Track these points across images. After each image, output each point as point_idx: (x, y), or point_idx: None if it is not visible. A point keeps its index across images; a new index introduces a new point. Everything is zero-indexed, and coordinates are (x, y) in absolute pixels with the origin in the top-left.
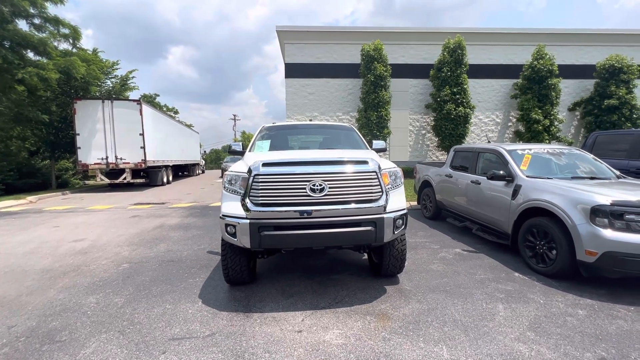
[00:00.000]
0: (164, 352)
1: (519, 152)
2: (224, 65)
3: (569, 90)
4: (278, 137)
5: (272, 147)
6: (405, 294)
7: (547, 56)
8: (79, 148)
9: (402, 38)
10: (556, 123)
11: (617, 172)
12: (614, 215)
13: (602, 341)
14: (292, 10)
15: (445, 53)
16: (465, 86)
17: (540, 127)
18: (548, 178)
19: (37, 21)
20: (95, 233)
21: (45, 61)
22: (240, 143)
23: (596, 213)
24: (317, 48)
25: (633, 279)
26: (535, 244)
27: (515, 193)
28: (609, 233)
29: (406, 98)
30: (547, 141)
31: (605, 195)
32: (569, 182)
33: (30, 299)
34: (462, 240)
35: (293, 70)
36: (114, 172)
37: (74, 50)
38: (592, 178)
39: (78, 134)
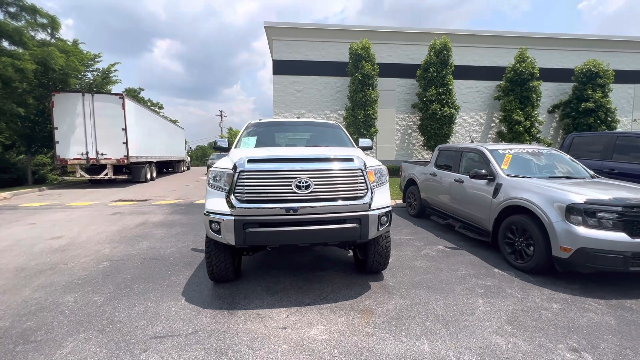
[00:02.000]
0: (145, 350)
1: (500, 152)
2: (211, 61)
3: (549, 93)
4: (264, 133)
5: (259, 144)
6: (389, 290)
7: (529, 59)
8: (57, 142)
9: (389, 38)
10: (536, 124)
11: (592, 172)
12: (588, 213)
13: (574, 333)
14: (281, 6)
15: (431, 54)
16: (450, 87)
17: (521, 128)
18: (527, 177)
19: (12, 9)
20: (74, 230)
21: (21, 51)
22: (226, 139)
23: (571, 211)
24: (306, 45)
25: (603, 273)
26: (514, 240)
27: (496, 191)
28: (582, 230)
29: (393, 97)
30: (527, 142)
31: (580, 194)
32: (547, 181)
33: (3, 298)
34: (445, 238)
35: (281, 67)
36: (94, 167)
37: (52, 40)
38: (568, 177)
39: (56, 128)
